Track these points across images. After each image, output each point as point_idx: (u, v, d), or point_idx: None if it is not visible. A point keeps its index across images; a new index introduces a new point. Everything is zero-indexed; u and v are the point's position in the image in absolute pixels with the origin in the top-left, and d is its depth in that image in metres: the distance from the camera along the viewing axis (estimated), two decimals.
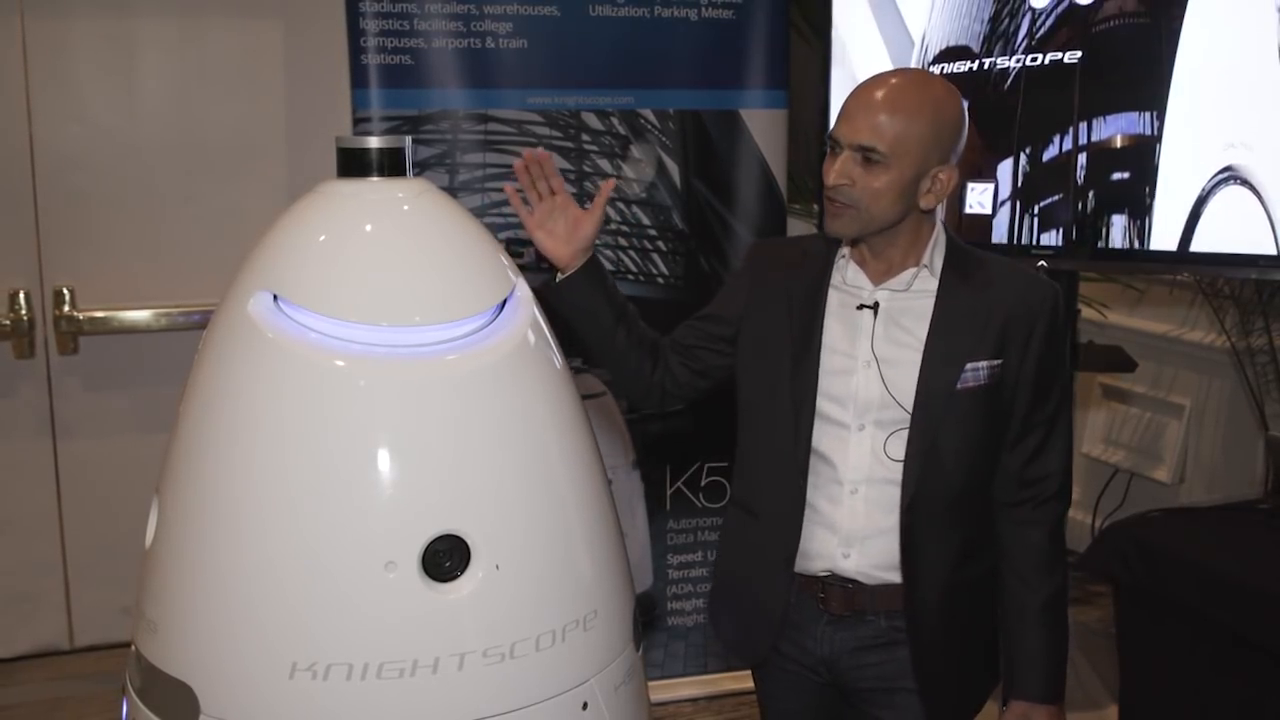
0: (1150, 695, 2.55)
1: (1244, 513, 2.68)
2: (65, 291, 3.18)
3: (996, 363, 1.69)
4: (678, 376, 1.89)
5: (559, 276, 1.81)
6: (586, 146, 2.87)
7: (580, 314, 1.82)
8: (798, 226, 3.53)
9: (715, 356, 1.87)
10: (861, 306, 1.72)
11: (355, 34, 2.72)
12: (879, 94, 1.63)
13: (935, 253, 1.72)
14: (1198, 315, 3.55)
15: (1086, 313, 3.42)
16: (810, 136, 3.33)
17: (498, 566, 1.45)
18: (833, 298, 1.75)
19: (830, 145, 1.67)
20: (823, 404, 1.72)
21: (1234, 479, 3.47)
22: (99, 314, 3.21)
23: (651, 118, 2.90)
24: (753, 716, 2.99)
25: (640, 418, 2.98)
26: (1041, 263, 2.69)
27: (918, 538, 1.69)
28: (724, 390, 1.92)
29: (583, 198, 2.88)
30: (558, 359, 1.63)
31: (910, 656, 1.73)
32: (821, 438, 1.72)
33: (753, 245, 1.94)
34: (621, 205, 2.92)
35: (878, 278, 1.72)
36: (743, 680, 3.07)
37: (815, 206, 3.42)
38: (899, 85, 1.64)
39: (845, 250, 1.75)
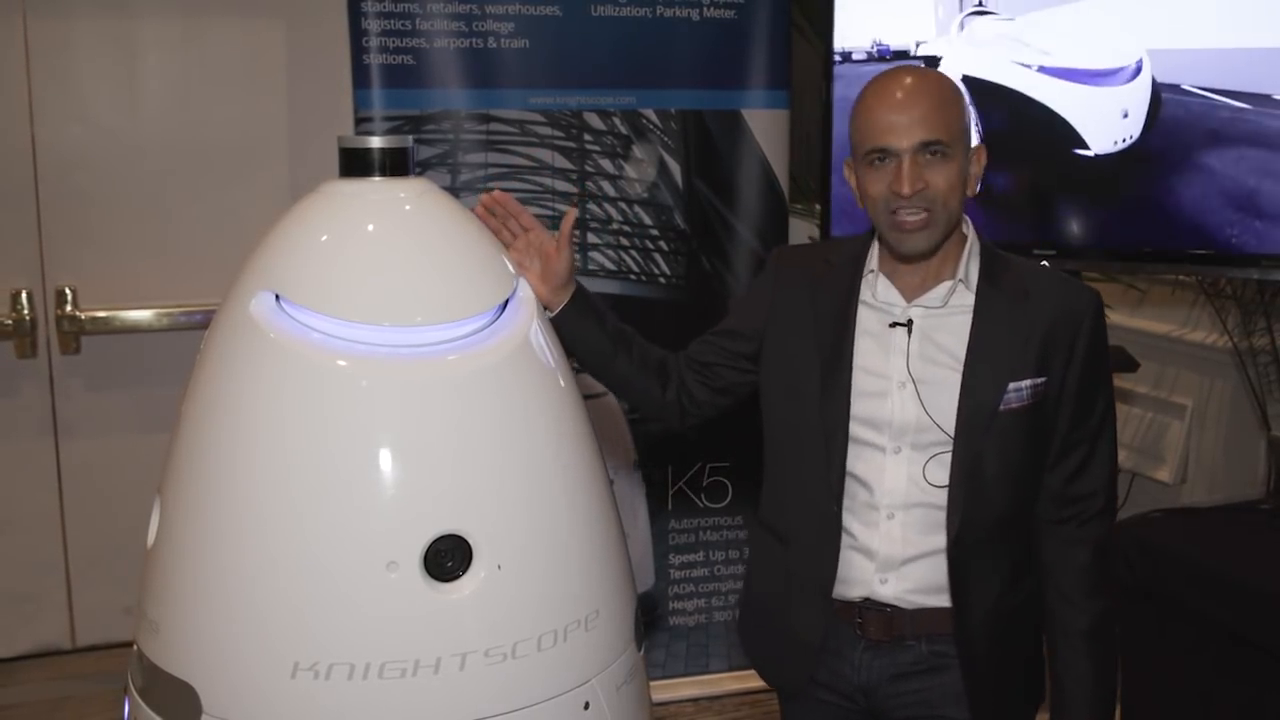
0: (1152, 695, 2.55)
1: (1245, 513, 2.68)
2: (67, 291, 3.18)
3: (1040, 381, 1.61)
4: (696, 395, 1.81)
5: (547, 315, 1.73)
6: (588, 146, 2.87)
7: (576, 347, 1.75)
8: (799, 226, 3.52)
9: (736, 374, 1.80)
10: (895, 324, 1.64)
11: (357, 34, 2.73)
12: (909, 91, 1.56)
13: (971, 264, 1.64)
14: (1199, 315, 3.55)
15: None
16: (812, 137, 3.33)
17: (499, 566, 1.45)
18: (863, 314, 1.66)
19: (875, 160, 1.57)
20: (856, 427, 1.64)
21: (1235, 479, 3.46)
22: (101, 314, 3.21)
23: (653, 117, 2.90)
24: (753, 717, 3.00)
25: (642, 418, 2.98)
26: (1043, 262, 2.69)
27: (965, 565, 1.62)
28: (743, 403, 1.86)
29: (585, 199, 2.88)
30: (559, 359, 1.63)
31: (963, 683, 1.66)
32: (856, 461, 1.64)
33: (773, 254, 1.85)
34: (623, 205, 2.92)
35: (911, 293, 1.64)
36: (744, 680, 3.08)
37: (816, 206, 3.41)
38: (918, 76, 1.59)
39: (874, 263, 1.67)
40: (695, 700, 3.10)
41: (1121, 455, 3.83)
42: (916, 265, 1.63)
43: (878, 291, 1.66)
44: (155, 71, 3.22)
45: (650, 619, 3.04)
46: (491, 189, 1.80)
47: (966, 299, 1.63)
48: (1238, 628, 2.28)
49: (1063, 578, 1.67)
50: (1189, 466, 3.63)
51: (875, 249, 1.68)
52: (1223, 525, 2.59)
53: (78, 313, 3.19)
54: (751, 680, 3.09)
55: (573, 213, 1.78)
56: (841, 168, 1.73)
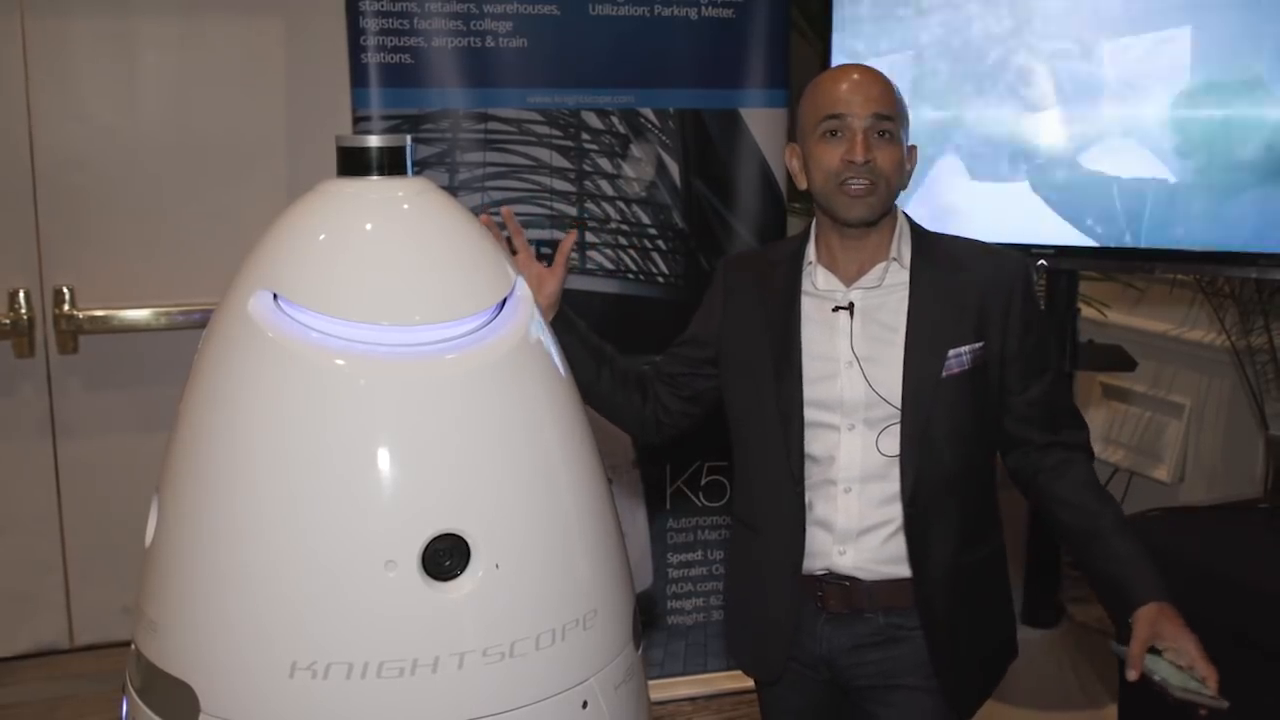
0: (1150, 695, 2.55)
1: (1244, 512, 2.68)
2: (65, 291, 3.18)
3: (979, 345, 1.70)
4: (669, 406, 1.91)
5: None
6: (587, 145, 2.87)
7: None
8: (798, 226, 3.51)
9: (701, 380, 1.89)
10: (837, 309, 1.72)
11: (355, 33, 2.73)
12: (863, 72, 1.71)
13: (902, 244, 1.73)
14: (1198, 314, 3.55)
15: (1087, 311, 3.42)
16: None
17: (498, 565, 1.45)
18: (807, 304, 1.75)
19: (829, 132, 1.68)
20: (811, 411, 1.72)
21: (1234, 478, 3.47)
22: (99, 313, 3.21)
23: (651, 117, 2.90)
24: (753, 716, 3.00)
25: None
26: (1042, 261, 2.70)
27: (921, 527, 1.70)
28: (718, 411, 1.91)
29: (584, 198, 2.88)
30: (558, 358, 1.63)
31: (926, 646, 1.72)
32: (813, 442, 1.73)
33: (721, 263, 1.96)
34: (621, 204, 2.92)
35: (850, 279, 1.73)
36: (742, 679, 3.07)
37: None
38: (868, 67, 1.73)
39: (812, 255, 1.76)
40: (693, 699, 3.10)
41: (1120, 454, 3.83)
42: (853, 251, 1.72)
43: (818, 282, 1.75)
44: (154, 71, 3.22)
45: (648, 618, 3.04)
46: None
47: (901, 276, 1.72)
48: (1236, 627, 2.28)
49: (1071, 495, 1.71)
50: (1187, 466, 3.64)
51: (812, 244, 1.78)
52: (1221, 524, 2.60)
53: (76, 312, 3.19)
54: (748, 680, 3.09)
55: (571, 235, 1.89)
56: None
